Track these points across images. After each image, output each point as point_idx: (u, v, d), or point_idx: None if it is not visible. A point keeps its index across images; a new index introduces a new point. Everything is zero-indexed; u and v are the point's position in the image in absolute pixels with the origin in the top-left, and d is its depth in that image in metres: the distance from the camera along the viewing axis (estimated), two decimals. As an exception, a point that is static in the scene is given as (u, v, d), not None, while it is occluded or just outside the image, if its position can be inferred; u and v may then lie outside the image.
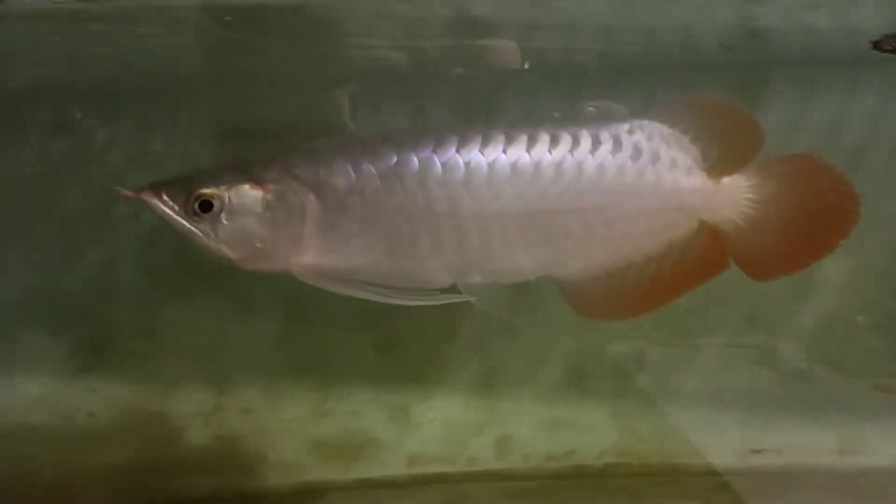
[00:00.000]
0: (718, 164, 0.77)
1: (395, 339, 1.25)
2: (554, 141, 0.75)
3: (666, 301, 0.80)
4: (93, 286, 1.19)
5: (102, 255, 1.18)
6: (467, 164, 0.72)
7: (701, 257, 0.78)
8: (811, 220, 0.77)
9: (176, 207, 0.71)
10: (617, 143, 0.76)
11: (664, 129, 0.77)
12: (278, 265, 0.74)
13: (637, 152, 0.76)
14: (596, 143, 0.75)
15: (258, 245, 0.72)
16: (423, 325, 1.23)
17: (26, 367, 1.20)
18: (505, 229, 0.74)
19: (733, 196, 0.77)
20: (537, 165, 0.74)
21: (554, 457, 1.22)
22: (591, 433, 1.23)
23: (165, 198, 0.71)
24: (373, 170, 0.72)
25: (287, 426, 1.24)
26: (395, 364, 1.25)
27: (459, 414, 1.25)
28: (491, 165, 0.73)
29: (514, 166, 0.73)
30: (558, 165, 0.74)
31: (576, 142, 0.75)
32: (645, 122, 0.77)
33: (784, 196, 0.77)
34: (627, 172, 0.76)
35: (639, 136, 0.76)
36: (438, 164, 0.72)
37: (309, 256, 0.73)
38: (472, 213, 0.73)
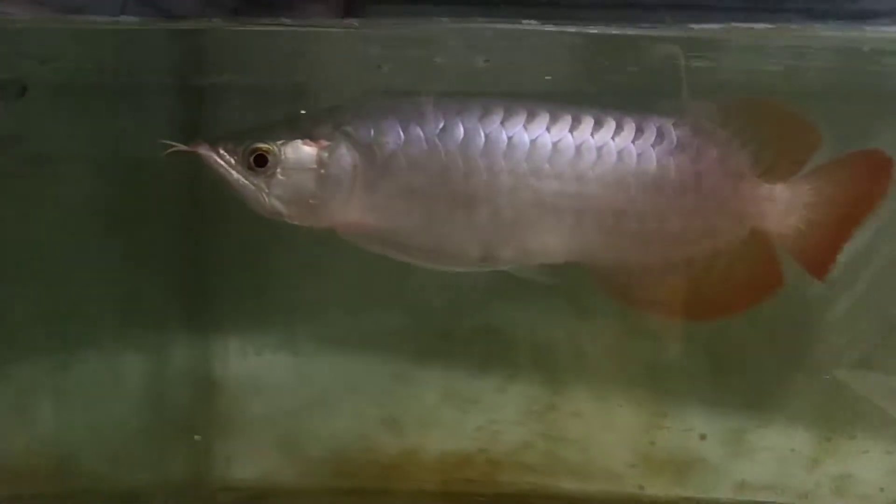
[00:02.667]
0: (773, 169, 0.75)
1: (736, 361, 1.20)
2: (598, 124, 0.73)
3: (719, 314, 0.80)
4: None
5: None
6: (510, 139, 0.72)
7: (754, 270, 0.76)
8: (856, 203, 0.76)
9: (232, 161, 0.71)
10: (660, 136, 0.74)
11: (714, 129, 0.74)
12: (325, 222, 0.73)
13: (681, 147, 0.74)
14: (639, 132, 0.74)
15: (310, 201, 0.72)
16: (768, 347, 1.18)
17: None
18: (538, 208, 0.74)
19: (792, 202, 0.74)
20: (578, 148, 0.73)
21: (898, 504, 1.17)
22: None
23: (222, 152, 0.70)
24: (420, 133, 0.71)
25: (617, 435, 1.22)
26: (733, 386, 1.21)
27: (797, 444, 1.20)
28: (533, 142, 0.72)
29: (555, 146, 0.73)
30: (599, 150, 0.73)
31: (619, 128, 0.73)
32: (695, 121, 0.75)
33: (841, 196, 0.75)
34: (668, 167, 0.74)
35: (685, 133, 0.74)
36: (482, 135, 0.71)
37: (354, 215, 0.73)
38: (509, 187, 0.73)
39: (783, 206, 0.75)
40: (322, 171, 0.71)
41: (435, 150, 0.72)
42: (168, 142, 0.72)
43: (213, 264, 1.17)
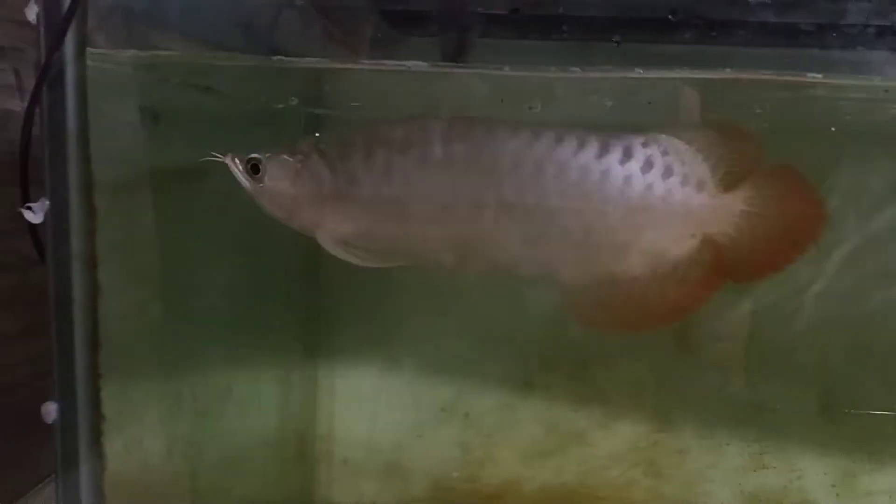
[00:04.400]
0: (723, 180, 0.79)
1: (845, 401, 1.18)
2: (558, 140, 0.77)
3: (674, 319, 0.84)
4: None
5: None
6: (468, 152, 0.77)
7: (704, 274, 0.80)
8: (788, 226, 0.81)
9: (240, 169, 0.81)
10: (627, 153, 0.77)
11: (680, 145, 0.78)
12: (307, 224, 0.82)
13: (648, 164, 0.77)
14: (604, 149, 0.77)
15: (290, 205, 0.81)
16: (877, 389, 1.17)
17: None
18: (501, 221, 0.78)
19: (732, 209, 0.79)
20: (538, 161, 0.77)
21: None
22: None
23: (236, 161, 0.82)
24: (384, 151, 0.79)
25: (721, 473, 1.21)
26: (842, 426, 1.19)
27: (912, 489, 1.17)
28: (491, 155, 0.77)
29: (513, 158, 0.77)
30: (561, 164, 0.77)
31: (582, 145, 0.77)
32: (662, 137, 0.78)
33: (768, 206, 0.80)
34: (635, 183, 0.77)
35: (653, 150, 0.78)
36: (439, 151, 0.77)
37: (330, 220, 0.81)
38: (471, 200, 0.78)
39: (731, 214, 0.80)
40: (297, 180, 0.81)
41: (398, 165, 0.79)
42: (213, 153, 0.83)
43: (328, 291, 1.20)
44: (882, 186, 1.13)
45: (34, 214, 0.78)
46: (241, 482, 1.04)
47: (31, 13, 0.77)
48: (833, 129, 1.04)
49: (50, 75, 0.77)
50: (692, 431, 1.22)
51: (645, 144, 0.78)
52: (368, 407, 1.25)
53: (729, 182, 0.80)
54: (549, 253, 0.80)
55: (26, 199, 0.79)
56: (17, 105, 1.08)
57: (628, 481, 1.22)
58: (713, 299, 0.82)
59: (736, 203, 0.80)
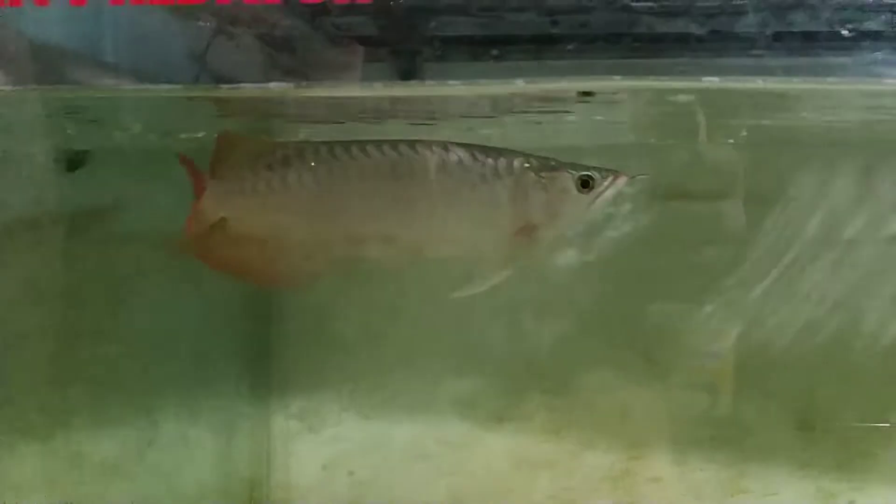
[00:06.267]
0: None
1: (822, 418, 1.14)
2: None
3: None
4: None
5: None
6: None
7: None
8: None
9: None
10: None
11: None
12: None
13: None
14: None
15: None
16: (855, 406, 1.13)
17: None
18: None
19: None
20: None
21: None
22: None
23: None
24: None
25: (696, 500, 1.16)
26: (821, 445, 1.15)
27: (894, 507, 1.13)
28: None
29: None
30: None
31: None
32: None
33: None
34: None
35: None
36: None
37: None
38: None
39: None
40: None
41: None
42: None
43: (277, 332, 1.14)
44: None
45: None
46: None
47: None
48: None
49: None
50: (667, 458, 1.16)
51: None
52: (327, 450, 1.18)
53: None
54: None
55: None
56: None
57: (601, 512, 1.17)
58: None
59: None
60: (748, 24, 0.78)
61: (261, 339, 1.14)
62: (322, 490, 1.17)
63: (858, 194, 1.13)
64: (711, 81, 0.78)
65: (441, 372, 1.16)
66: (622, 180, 0.87)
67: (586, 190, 0.87)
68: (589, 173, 0.87)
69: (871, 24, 0.77)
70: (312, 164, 0.85)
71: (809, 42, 0.79)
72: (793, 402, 1.15)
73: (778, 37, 0.78)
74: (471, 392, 1.17)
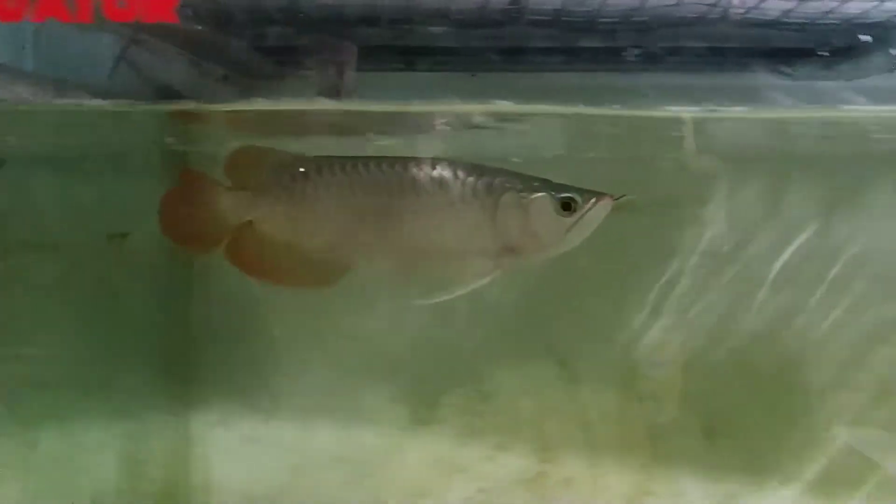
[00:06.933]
0: None
1: (727, 424, 1.18)
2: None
3: None
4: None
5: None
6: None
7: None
8: None
9: None
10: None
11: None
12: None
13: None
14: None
15: None
16: (757, 412, 1.18)
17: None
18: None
19: None
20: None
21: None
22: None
23: None
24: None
25: (604, 501, 1.19)
26: (724, 449, 1.19)
27: (793, 510, 1.17)
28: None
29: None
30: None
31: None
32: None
33: None
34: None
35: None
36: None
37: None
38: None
39: None
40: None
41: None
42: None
43: (197, 337, 1.16)
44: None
45: None
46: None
47: None
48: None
49: None
50: (579, 460, 1.20)
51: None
52: (248, 453, 1.19)
53: None
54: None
55: None
56: None
57: (516, 515, 1.19)
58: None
59: None
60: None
61: (180, 344, 1.15)
62: (242, 493, 1.18)
63: (765, 210, 1.18)
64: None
65: (360, 376, 1.18)
66: (606, 202, 0.86)
67: (567, 213, 0.85)
68: (570, 195, 0.86)
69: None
70: (332, 175, 0.90)
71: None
72: (700, 408, 1.19)
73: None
74: (388, 396, 1.19)
